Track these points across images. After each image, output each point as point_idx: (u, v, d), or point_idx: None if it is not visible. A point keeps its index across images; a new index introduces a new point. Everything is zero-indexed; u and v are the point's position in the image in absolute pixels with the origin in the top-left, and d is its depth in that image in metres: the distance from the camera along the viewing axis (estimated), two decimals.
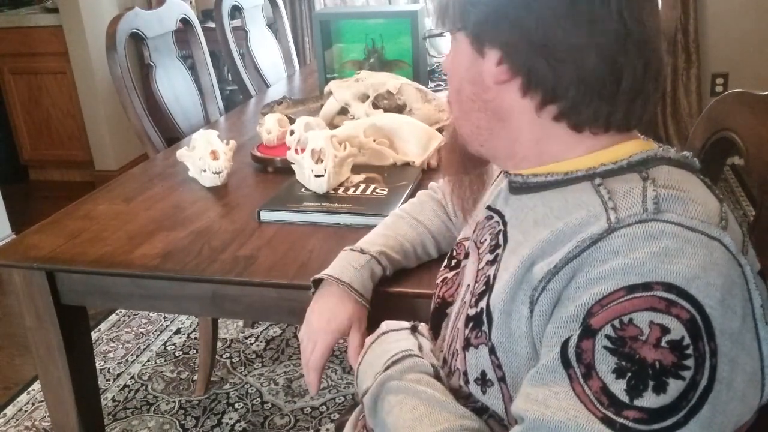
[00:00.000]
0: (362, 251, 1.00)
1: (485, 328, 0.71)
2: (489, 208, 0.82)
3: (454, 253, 0.91)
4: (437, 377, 0.78)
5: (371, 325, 0.93)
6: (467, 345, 0.74)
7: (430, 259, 1.08)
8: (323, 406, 2.03)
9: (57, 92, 3.83)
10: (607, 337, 0.59)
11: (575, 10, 0.65)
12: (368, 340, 0.87)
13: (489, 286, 0.73)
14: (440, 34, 0.78)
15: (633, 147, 0.71)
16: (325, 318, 0.95)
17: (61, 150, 3.94)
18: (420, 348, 0.82)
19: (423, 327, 0.88)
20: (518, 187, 0.77)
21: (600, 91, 0.67)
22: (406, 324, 0.87)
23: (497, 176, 0.88)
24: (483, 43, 0.71)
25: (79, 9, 3.57)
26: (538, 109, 0.71)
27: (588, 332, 0.60)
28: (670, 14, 1.91)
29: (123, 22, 1.85)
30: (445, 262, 0.93)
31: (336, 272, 0.97)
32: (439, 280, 0.92)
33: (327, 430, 1.93)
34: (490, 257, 0.76)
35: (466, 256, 0.87)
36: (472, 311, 0.75)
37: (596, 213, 0.65)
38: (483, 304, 0.73)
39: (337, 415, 1.97)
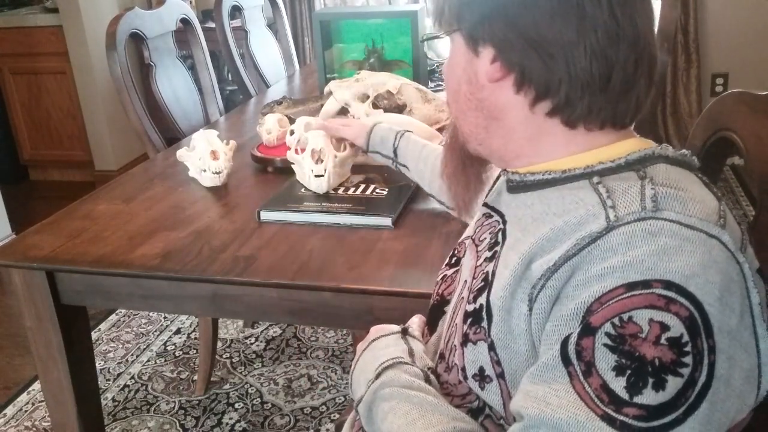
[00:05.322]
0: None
1: (484, 324, 0.72)
2: (487, 205, 0.83)
3: (455, 252, 0.92)
4: (428, 381, 0.78)
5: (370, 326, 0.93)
6: (466, 341, 0.74)
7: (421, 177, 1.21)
8: (323, 406, 2.03)
9: (57, 92, 3.83)
10: (607, 334, 0.59)
11: (568, 6, 0.67)
12: (359, 347, 0.87)
13: (488, 283, 0.73)
14: (437, 37, 0.80)
15: (631, 145, 0.71)
16: None
17: (61, 150, 3.94)
18: (411, 352, 0.82)
19: (414, 327, 0.88)
20: (516, 186, 0.77)
21: (591, 86, 0.68)
22: (396, 328, 0.87)
23: (498, 177, 0.88)
24: (477, 43, 0.72)
25: (79, 9, 3.57)
26: (531, 106, 0.72)
27: (588, 330, 0.60)
28: (670, 14, 1.91)
29: (123, 22, 1.85)
30: (446, 260, 0.93)
31: None
32: (438, 278, 0.92)
33: (327, 430, 1.93)
34: (488, 254, 0.77)
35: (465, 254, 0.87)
36: (470, 307, 0.75)
37: (595, 211, 0.65)
38: (482, 300, 0.73)
39: (337, 415, 1.97)
